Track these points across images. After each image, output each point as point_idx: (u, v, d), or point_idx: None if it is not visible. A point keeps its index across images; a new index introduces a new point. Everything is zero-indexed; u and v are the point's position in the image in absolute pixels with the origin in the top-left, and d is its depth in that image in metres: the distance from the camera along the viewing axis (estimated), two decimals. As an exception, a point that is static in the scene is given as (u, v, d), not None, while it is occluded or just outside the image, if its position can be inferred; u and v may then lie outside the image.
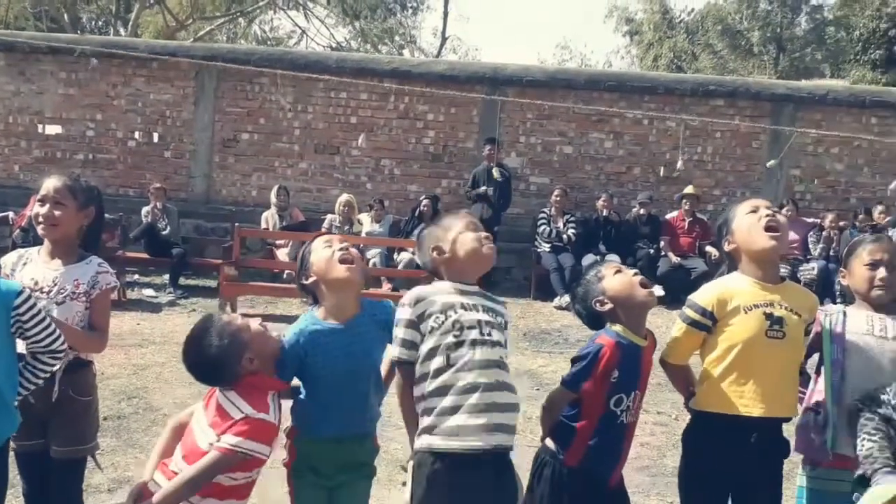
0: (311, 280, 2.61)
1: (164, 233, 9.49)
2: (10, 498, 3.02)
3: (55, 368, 2.68)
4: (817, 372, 2.89)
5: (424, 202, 9.97)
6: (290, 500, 2.63)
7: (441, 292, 2.45)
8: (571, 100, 10.75)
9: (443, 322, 2.37)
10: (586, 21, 59.73)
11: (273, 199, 10.04)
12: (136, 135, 11.14)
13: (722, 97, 10.83)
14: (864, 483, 2.43)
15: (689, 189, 10.13)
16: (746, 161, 10.85)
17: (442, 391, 2.34)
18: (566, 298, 8.40)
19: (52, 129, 11.14)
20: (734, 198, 9.92)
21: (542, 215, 9.93)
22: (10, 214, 9.33)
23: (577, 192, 10.75)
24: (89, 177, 9.56)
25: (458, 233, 2.51)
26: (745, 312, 2.64)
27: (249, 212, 10.66)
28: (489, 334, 2.40)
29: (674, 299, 7.54)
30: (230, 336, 2.45)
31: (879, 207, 9.83)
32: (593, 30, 61.65)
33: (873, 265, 2.76)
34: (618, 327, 2.57)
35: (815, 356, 2.86)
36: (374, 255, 9.57)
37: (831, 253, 9.45)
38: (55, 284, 2.79)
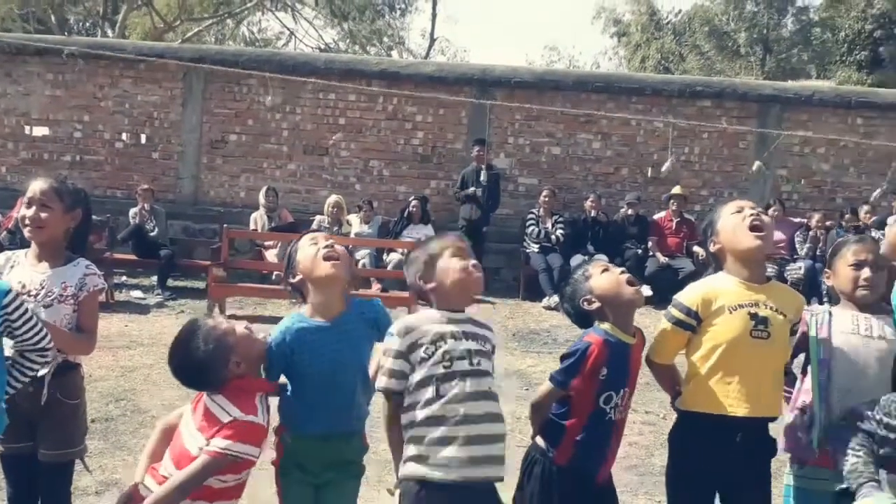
0: (297, 278, 2.61)
1: (151, 234, 9.45)
2: (-2, 501, 3.02)
3: (42, 368, 2.67)
4: (803, 372, 2.92)
5: (413, 203, 9.99)
6: (278, 500, 2.63)
7: (430, 321, 2.44)
8: (559, 101, 10.77)
9: (433, 353, 2.36)
10: (574, 22, 59.77)
11: (262, 200, 10.02)
12: (124, 136, 11.10)
13: (709, 98, 10.87)
14: (848, 496, 2.46)
15: (676, 189, 10.17)
16: (733, 161, 10.90)
17: (431, 422, 2.34)
18: (555, 298, 8.43)
19: (39, 131, 11.09)
20: (721, 198, 9.96)
21: (530, 216, 9.96)
22: (-2, 216, 9.27)
23: (566, 192, 10.77)
24: (77, 178, 9.56)
25: (445, 261, 2.48)
26: (730, 312, 2.65)
27: (238, 213, 10.63)
28: (478, 363, 2.40)
29: (662, 299, 7.51)
30: (215, 341, 2.45)
31: (865, 207, 9.90)
32: (580, 29, 61.76)
33: (857, 265, 2.79)
34: (606, 325, 2.59)
35: (801, 356, 2.89)
36: (363, 256, 9.58)
37: (818, 252, 9.51)
38: (43, 287, 2.78)
